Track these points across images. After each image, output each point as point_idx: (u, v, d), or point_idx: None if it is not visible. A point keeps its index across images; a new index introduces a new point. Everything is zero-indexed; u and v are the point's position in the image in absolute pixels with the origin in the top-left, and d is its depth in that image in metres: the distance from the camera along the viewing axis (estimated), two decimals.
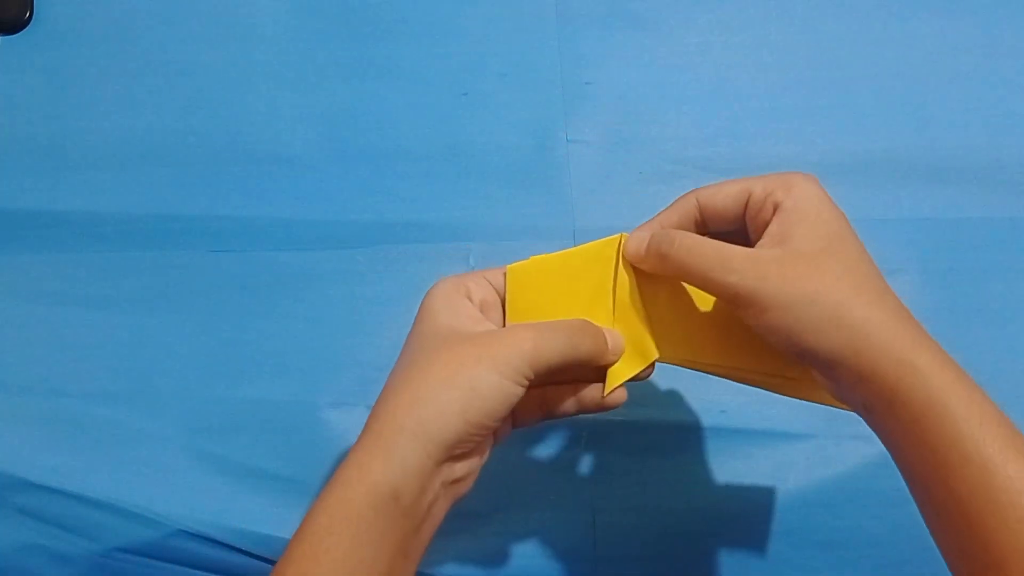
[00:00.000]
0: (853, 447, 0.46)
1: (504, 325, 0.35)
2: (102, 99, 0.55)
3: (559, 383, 0.35)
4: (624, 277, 0.34)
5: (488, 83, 0.53)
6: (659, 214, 0.35)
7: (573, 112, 0.53)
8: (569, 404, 0.35)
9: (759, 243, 0.31)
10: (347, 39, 0.55)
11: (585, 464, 0.47)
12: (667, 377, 0.48)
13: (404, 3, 0.55)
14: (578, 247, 0.35)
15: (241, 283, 0.51)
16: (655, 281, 0.34)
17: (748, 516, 0.45)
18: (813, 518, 0.45)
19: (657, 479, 0.47)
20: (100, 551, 0.47)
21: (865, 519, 0.45)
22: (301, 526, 0.30)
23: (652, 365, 0.34)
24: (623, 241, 0.34)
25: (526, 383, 0.31)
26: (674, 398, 0.47)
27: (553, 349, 0.31)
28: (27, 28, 0.57)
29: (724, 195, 0.33)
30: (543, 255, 0.35)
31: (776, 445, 0.46)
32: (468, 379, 0.30)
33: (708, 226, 0.34)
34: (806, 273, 0.29)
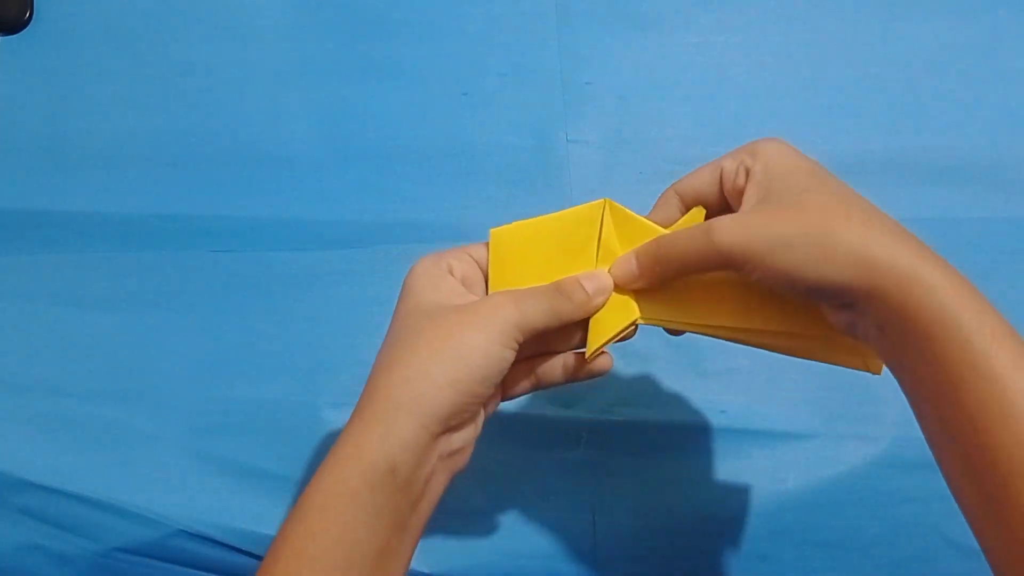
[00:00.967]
0: (853, 447, 0.46)
1: (487, 291, 0.35)
2: (102, 99, 0.55)
3: (550, 353, 0.35)
4: (608, 240, 0.34)
5: (488, 83, 0.53)
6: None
7: (573, 112, 0.53)
8: (557, 372, 0.35)
9: (740, 209, 0.31)
10: (347, 39, 0.55)
11: (585, 464, 0.47)
12: (667, 377, 0.48)
13: (404, 3, 0.55)
14: (562, 211, 0.34)
15: (241, 283, 0.51)
16: (638, 244, 0.34)
17: (748, 516, 0.45)
18: (813, 518, 0.45)
19: (657, 479, 0.47)
20: (100, 551, 0.47)
21: (865, 519, 0.45)
22: (296, 505, 0.30)
23: (635, 325, 0.34)
24: (607, 205, 0.34)
25: (515, 346, 0.31)
26: (674, 398, 0.47)
27: (537, 311, 0.32)
28: (27, 28, 0.57)
29: (699, 180, 0.33)
30: (527, 219, 0.35)
31: (776, 445, 0.46)
32: (457, 349, 0.30)
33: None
34: (790, 214, 0.29)
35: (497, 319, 0.31)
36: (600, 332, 0.34)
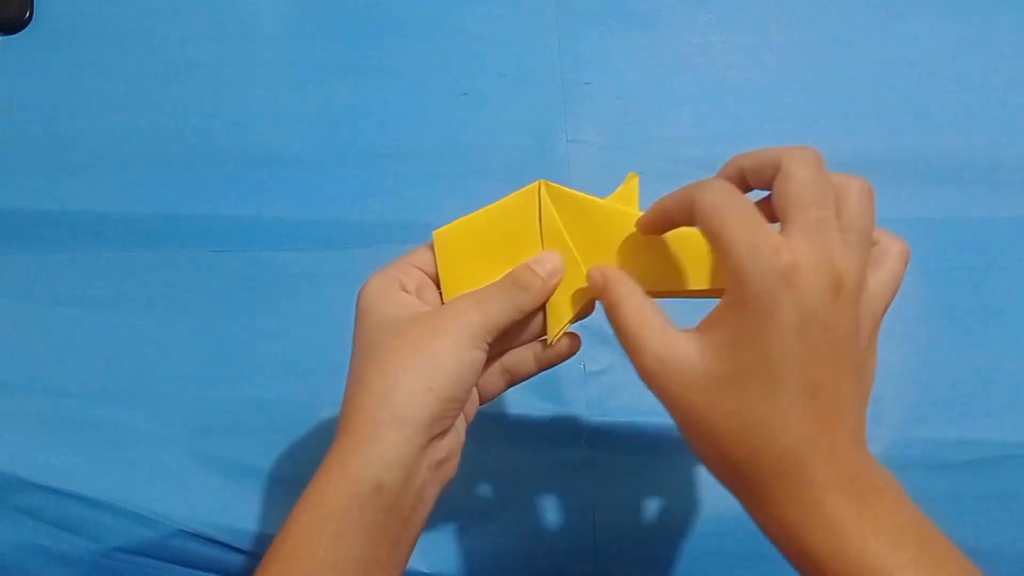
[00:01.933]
0: None
1: (441, 296, 0.35)
2: (102, 99, 0.55)
3: (515, 345, 0.35)
4: (549, 220, 0.34)
5: (488, 83, 0.53)
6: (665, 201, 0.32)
7: (573, 112, 0.53)
8: (528, 364, 0.35)
9: (711, 322, 0.28)
10: (347, 39, 0.55)
11: (585, 464, 0.47)
12: None
13: (404, 3, 0.55)
14: (500, 200, 0.34)
15: (241, 283, 0.51)
16: (579, 220, 0.34)
17: (749, 516, 0.45)
18: None
19: (657, 479, 0.47)
20: (100, 551, 0.47)
21: None
22: (284, 525, 0.30)
23: (592, 302, 0.34)
24: (542, 187, 0.34)
25: (485, 347, 0.31)
26: None
27: (499, 309, 0.32)
28: (27, 28, 0.57)
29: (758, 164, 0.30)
30: (465, 216, 0.35)
31: None
32: (428, 358, 0.30)
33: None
34: (732, 396, 0.27)
35: (463, 324, 0.31)
36: (558, 315, 0.34)
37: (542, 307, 0.34)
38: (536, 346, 0.35)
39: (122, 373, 0.50)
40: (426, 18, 0.55)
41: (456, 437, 0.34)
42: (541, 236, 0.34)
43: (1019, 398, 0.46)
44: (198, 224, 0.52)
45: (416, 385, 0.30)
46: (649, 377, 0.28)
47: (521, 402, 0.48)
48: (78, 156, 0.54)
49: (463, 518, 0.47)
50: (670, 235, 0.32)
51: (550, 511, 0.47)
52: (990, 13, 0.53)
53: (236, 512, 0.47)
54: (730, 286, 0.27)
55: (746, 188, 0.30)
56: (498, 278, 0.33)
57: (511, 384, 0.36)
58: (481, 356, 0.31)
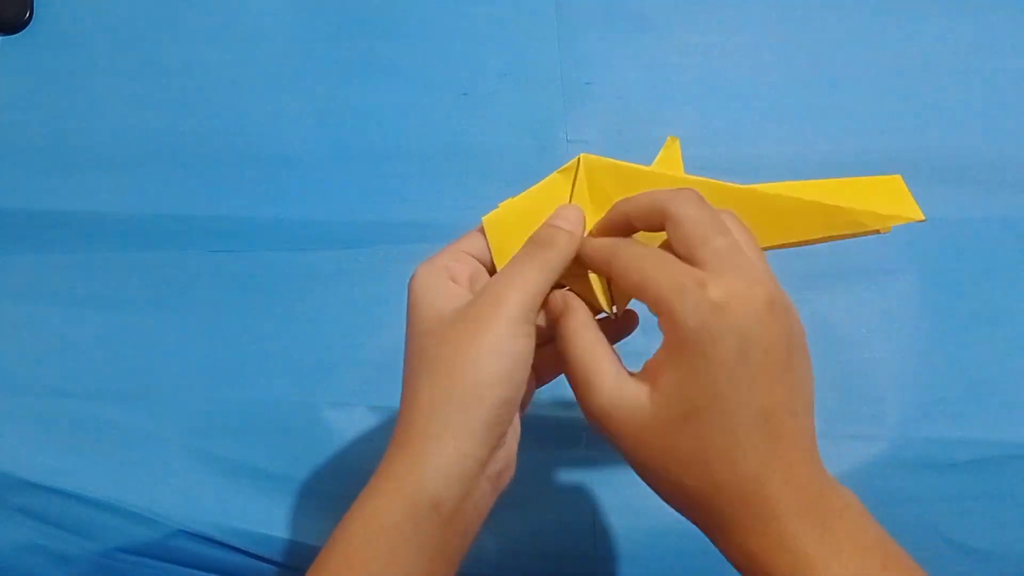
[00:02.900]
0: (853, 447, 0.46)
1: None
2: (102, 99, 0.55)
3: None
4: (579, 192, 0.33)
5: (488, 83, 0.53)
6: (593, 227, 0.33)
7: (573, 112, 0.53)
8: None
9: (653, 364, 0.29)
10: (347, 39, 0.55)
11: (585, 464, 0.47)
12: None
13: (404, 3, 0.55)
14: (543, 180, 0.34)
15: (241, 283, 0.51)
16: (627, 189, 0.33)
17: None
18: None
19: None
20: (100, 551, 0.47)
21: None
22: (333, 539, 0.29)
23: None
24: (581, 160, 0.33)
25: (530, 330, 0.30)
26: None
27: (530, 278, 0.30)
28: (27, 28, 0.57)
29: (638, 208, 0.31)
30: (511, 198, 0.34)
31: None
32: (474, 360, 0.29)
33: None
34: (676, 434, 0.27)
35: (502, 312, 0.29)
36: (622, 291, 0.33)
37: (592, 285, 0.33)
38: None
39: (122, 373, 0.50)
40: (426, 18, 0.55)
41: (513, 436, 0.32)
42: (593, 210, 0.33)
43: (1019, 398, 0.46)
44: (198, 224, 0.52)
45: (464, 394, 0.28)
46: (599, 420, 0.29)
47: None
48: (78, 156, 0.54)
49: None
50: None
51: (550, 511, 0.47)
52: (991, 13, 0.53)
53: (236, 512, 0.47)
54: (666, 330, 0.27)
55: (632, 231, 0.31)
56: None
57: None
58: (529, 343, 0.30)
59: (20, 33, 0.57)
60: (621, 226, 0.31)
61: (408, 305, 0.32)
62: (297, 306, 0.50)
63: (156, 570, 0.47)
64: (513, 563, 0.46)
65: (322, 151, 0.53)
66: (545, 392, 0.48)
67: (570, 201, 0.34)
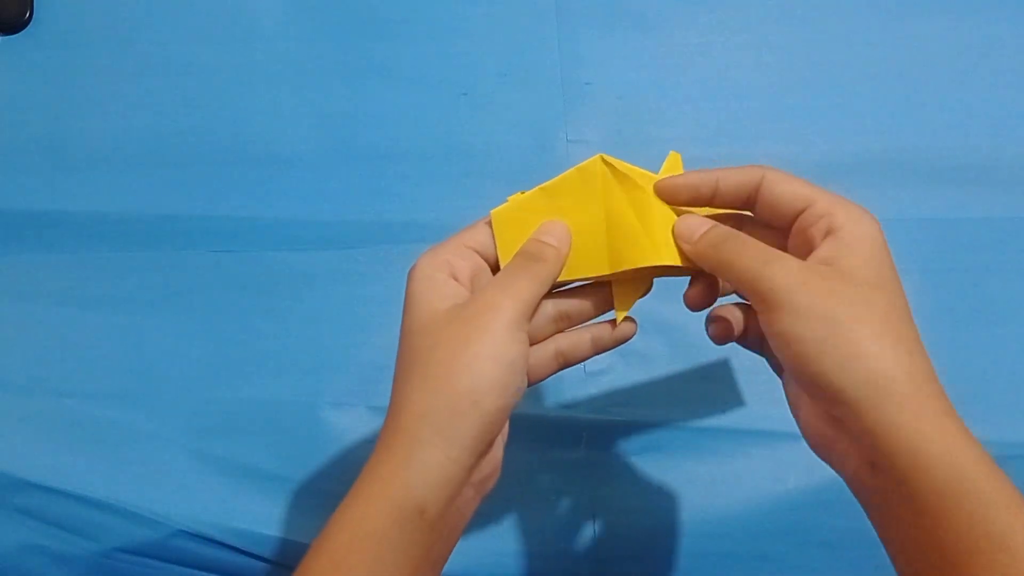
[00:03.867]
0: None
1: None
2: (102, 99, 0.55)
3: (569, 326, 0.34)
4: (614, 197, 0.33)
5: (488, 83, 0.53)
6: (720, 170, 0.32)
7: (573, 112, 0.53)
8: (584, 347, 0.34)
9: (792, 250, 0.30)
10: (347, 39, 0.55)
11: (585, 464, 0.47)
12: (667, 377, 0.48)
13: (404, 3, 0.55)
14: (556, 178, 0.34)
15: (241, 283, 0.51)
16: (643, 195, 0.33)
17: (748, 516, 0.45)
18: (813, 518, 0.45)
19: (657, 479, 0.47)
20: (100, 551, 0.47)
21: (865, 519, 0.45)
22: (319, 542, 0.29)
23: (651, 281, 0.34)
24: (603, 162, 0.33)
25: (524, 337, 0.30)
26: (674, 398, 0.47)
27: (524, 289, 0.30)
28: (27, 28, 0.57)
29: (789, 190, 0.31)
30: (522, 193, 0.34)
31: (776, 445, 0.46)
32: (468, 363, 0.29)
33: (722, 200, 0.32)
34: (850, 297, 0.28)
35: (498, 318, 0.29)
36: (626, 292, 0.33)
37: (597, 292, 0.34)
38: (593, 329, 0.34)
39: (122, 373, 0.50)
40: (426, 18, 0.55)
41: (501, 441, 0.32)
42: (606, 212, 0.33)
43: (1019, 398, 0.46)
44: (198, 224, 0.52)
45: (459, 400, 0.28)
46: (794, 286, 0.28)
47: (521, 402, 0.48)
48: (78, 156, 0.54)
49: None
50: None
51: (550, 511, 0.47)
52: (990, 13, 0.53)
53: (236, 512, 0.47)
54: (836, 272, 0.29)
55: (704, 203, 0.32)
56: None
57: (564, 367, 0.34)
58: (523, 350, 0.30)
59: (20, 33, 0.57)
60: (706, 197, 0.32)
61: (406, 297, 0.32)
62: (297, 306, 0.50)
63: (156, 570, 0.47)
64: (513, 563, 0.46)
65: (322, 151, 0.53)
66: (545, 392, 0.48)
67: (602, 204, 0.33)
